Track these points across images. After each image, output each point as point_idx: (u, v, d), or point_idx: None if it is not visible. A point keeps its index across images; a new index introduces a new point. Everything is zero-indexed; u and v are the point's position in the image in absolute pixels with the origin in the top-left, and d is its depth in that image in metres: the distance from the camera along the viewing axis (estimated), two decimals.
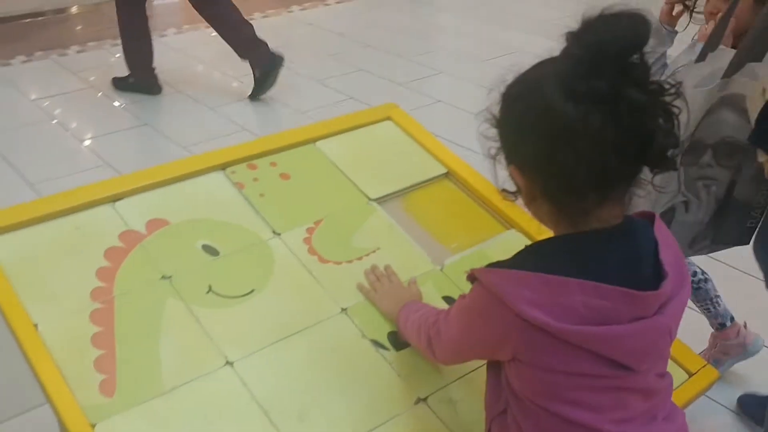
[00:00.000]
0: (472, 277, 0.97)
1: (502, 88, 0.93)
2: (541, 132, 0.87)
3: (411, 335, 1.16)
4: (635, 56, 0.83)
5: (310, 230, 1.40)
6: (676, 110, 0.87)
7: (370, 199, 1.48)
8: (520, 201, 0.99)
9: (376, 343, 1.23)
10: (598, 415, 0.90)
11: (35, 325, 1.13)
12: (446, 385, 1.19)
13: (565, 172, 0.86)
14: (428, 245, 1.43)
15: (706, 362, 1.31)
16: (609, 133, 0.82)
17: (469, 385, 1.20)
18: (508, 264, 0.93)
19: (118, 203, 1.35)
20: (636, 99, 0.82)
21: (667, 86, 0.86)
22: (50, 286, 1.19)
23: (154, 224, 1.33)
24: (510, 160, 0.94)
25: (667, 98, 0.86)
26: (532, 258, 0.93)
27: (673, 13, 1.80)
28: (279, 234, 1.37)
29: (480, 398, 1.16)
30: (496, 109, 0.94)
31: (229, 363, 1.15)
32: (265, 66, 3.65)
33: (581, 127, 0.83)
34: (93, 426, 1.03)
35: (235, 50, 3.69)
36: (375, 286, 1.30)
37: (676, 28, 1.82)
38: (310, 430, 1.09)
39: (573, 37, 0.85)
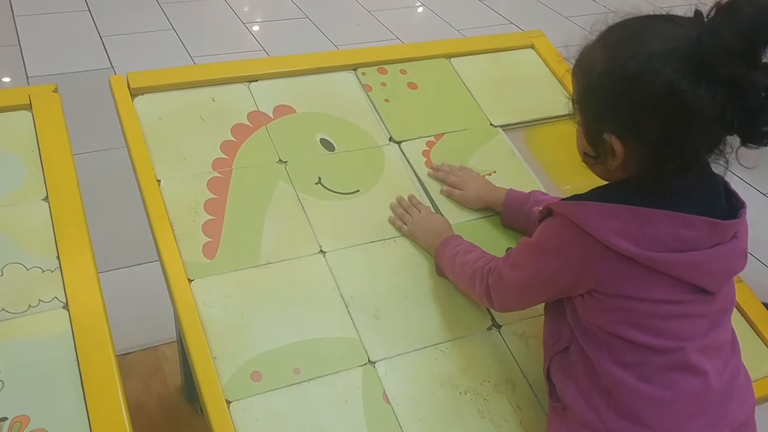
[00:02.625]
0: (546, 211, 0.98)
1: (593, 50, 0.91)
2: (670, 117, 0.85)
3: (460, 278, 1.15)
4: None
5: (430, 143, 1.42)
6: None
7: (491, 125, 1.48)
8: None
9: None
10: (678, 342, 0.92)
11: (158, 181, 1.23)
12: (523, 319, 1.20)
13: (688, 151, 0.88)
14: (541, 181, 1.41)
15: None
16: (731, 112, 0.83)
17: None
18: (586, 197, 0.95)
19: (253, 84, 1.42)
20: (762, 83, 0.82)
21: None
22: (178, 148, 1.29)
23: (281, 110, 1.40)
24: (608, 130, 0.90)
25: None
26: (611, 191, 0.95)
27: None
28: (396, 141, 1.40)
29: None
30: (587, 71, 0.92)
31: (322, 252, 1.22)
32: None
33: (712, 110, 0.83)
34: (190, 281, 1.13)
35: None
36: (405, 219, 1.28)
37: None
38: (383, 330, 1.14)
39: (720, 16, 0.82)
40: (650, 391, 0.92)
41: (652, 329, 0.92)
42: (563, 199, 0.98)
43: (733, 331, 1.02)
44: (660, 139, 0.87)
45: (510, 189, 1.31)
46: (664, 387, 0.92)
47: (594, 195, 0.95)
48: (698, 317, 0.94)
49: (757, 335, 1.28)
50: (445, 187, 1.34)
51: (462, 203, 1.33)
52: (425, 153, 1.40)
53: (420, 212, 1.28)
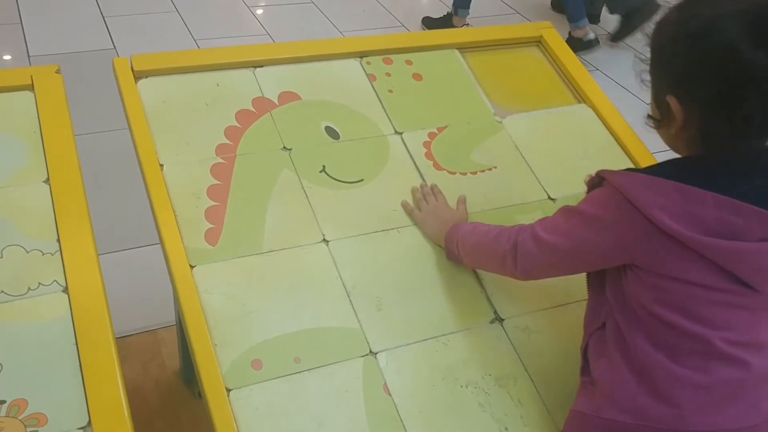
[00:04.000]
0: (598, 178, 0.98)
1: (669, 13, 0.91)
2: (724, 76, 0.86)
3: (481, 243, 1.12)
4: None
5: (431, 135, 1.41)
6: None
7: (496, 119, 1.46)
8: None
9: None
10: (711, 330, 0.91)
11: (161, 166, 1.22)
12: (527, 312, 1.20)
13: (742, 116, 0.87)
14: (541, 181, 1.40)
15: None
16: None
17: (550, 318, 1.20)
18: (641, 171, 0.94)
19: (258, 69, 1.41)
20: None
21: None
22: (181, 133, 1.28)
23: (287, 96, 1.38)
24: (670, 91, 0.91)
25: None
26: (668, 168, 0.94)
27: None
28: (400, 132, 1.39)
29: (556, 334, 1.17)
30: (658, 32, 0.93)
31: (325, 240, 1.21)
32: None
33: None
34: (192, 267, 1.12)
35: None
36: (420, 205, 1.26)
37: None
38: (384, 321, 1.14)
39: None
40: (684, 373, 0.92)
41: (687, 313, 0.91)
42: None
43: None
44: (712, 101, 0.87)
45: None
46: (699, 371, 0.91)
47: (649, 169, 0.95)
48: (739, 309, 0.91)
49: None
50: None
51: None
52: (426, 144, 1.39)
53: (437, 201, 1.27)
